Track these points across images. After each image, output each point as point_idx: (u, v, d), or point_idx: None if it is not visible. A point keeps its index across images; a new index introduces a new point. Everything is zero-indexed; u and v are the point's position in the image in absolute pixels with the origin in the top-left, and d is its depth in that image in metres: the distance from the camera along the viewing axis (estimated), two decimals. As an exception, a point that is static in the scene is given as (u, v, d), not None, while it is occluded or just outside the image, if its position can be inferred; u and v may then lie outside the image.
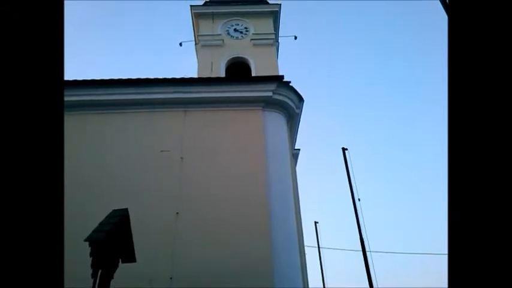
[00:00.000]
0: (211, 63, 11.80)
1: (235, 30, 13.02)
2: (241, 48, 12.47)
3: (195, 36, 13.91)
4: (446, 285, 1.95)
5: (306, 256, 9.19)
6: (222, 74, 11.65)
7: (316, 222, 16.14)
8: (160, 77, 9.30)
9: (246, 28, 13.04)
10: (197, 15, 13.45)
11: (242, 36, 12.89)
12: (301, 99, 9.79)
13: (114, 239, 4.71)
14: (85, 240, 4.39)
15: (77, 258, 4.32)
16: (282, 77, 9.41)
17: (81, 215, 6.20)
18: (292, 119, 9.95)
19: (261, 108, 9.14)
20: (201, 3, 14.05)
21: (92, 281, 4.28)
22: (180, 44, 13.66)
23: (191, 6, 13.56)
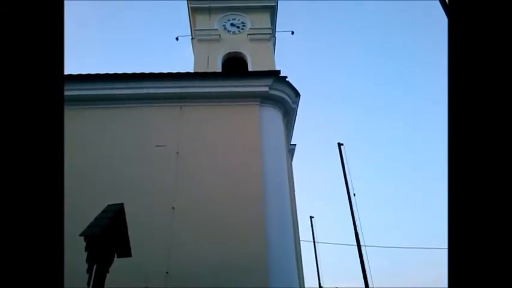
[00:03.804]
0: (208, 58, 11.74)
1: (232, 24, 12.95)
2: (238, 43, 12.41)
3: (191, 30, 13.83)
4: (446, 282, 1.97)
5: (301, 251, 9.24)
6: (219, 69, 11.59)
7: (311, 217, 16.25)
8: (157, 71, 9.27)
9: (242, 23, 12.97)
10: (194, 9, 13.36)
11: (239, 31, 12.83)
12: (297, 94, 9.80)
13: (109, 234, 4.71)
14: (80, 235, 4.38)
15: (73, 254, 4.32)
16: (279, 72, 9.39)
17: (76, 209, 6.15)
18: (289, 114, 9.96)
19: (257, 103, 9.13)
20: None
21: (87, 276, 4.29)
22: (177, 39, 13.58)
23: (188, 0, 13.48)
